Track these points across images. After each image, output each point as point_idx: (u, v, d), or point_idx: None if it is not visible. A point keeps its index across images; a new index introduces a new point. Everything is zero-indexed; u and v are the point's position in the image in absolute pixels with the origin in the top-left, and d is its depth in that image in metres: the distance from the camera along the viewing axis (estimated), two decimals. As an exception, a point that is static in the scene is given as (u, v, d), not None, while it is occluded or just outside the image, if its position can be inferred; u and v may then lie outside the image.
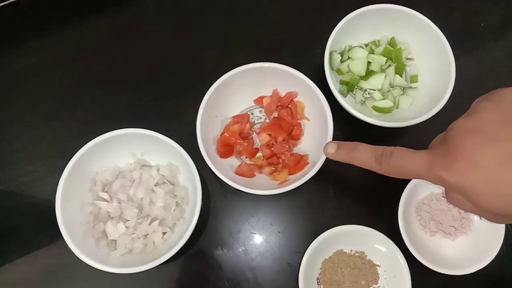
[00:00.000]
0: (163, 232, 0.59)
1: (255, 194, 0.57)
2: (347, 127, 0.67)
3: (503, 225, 0.60)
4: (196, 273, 0.63)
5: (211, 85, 0.60)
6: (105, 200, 0.60)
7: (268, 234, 0.64)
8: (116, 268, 0.54)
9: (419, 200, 0.63)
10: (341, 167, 0.65)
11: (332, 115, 0.60)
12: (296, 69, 0.62)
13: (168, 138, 0.58)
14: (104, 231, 0.59)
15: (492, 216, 0.38)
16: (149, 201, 0.60)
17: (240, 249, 0.63)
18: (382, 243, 0.59)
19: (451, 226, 0.62)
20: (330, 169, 0.64)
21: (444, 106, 0.60)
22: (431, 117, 0.59)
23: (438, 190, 0.64)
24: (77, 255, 0.54)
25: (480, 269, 0.58)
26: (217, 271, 0.63)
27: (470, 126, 0.39)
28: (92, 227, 0.59)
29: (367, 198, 0.65)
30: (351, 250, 0.61)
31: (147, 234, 0.59)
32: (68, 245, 0.54)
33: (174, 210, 0.59)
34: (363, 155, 0.48)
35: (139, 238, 0.58)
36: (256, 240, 0.63)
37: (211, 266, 0.63)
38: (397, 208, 0.60)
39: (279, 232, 0.64)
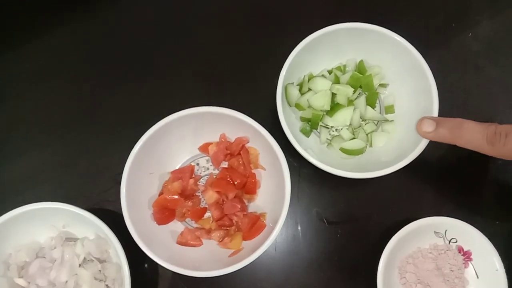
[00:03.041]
0: (93, 325, 0.49)
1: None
2: (311, 172, 0.56)
3: (505, 285, 0.49)
4: None
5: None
6: (21, 287, 0.50)
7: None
8: None
9: (402, 259, 0.53)
10: (305, 214, 0.55)
11: (294, 151, 0.50)
12: (252, 107, 0.52)
13: (90, 214, 0.48)
14: (22, 330, 0.49)
15: None
16: (75, 284, 0.49)
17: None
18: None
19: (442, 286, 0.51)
20: (294, 217, 0.54)
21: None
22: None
23: (426, 245, 0.53)
24: None
25: None
26: None
27: None
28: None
29: (340, 255, 0.54)
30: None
31: (74, 331, 0.49)
32: None
33: (104, 296, 0.49)
34: (470, 135, 0.44)
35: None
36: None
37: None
38: (376, 267, 0.49)
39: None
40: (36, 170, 0.57)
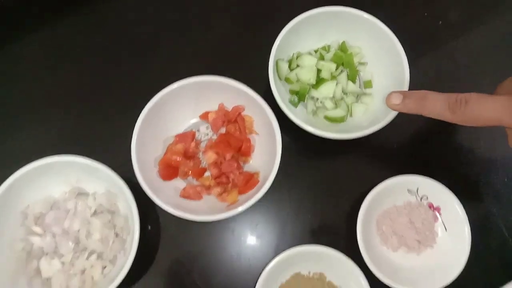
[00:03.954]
0: (102, 267, 0.54)
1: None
2: (300, 139, 0.63)
3: (469, 237, 0.56)
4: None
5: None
6: (38, 234, 0.55)
7: (222, 260, 0.59)
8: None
9: (379, 214, 0.59)
10: (294, 182, 0.61)
11: (284, 127, 0.56)
12: (245, 81, 0.58)
13: (102, 165, 0.54)
14: (37, 269, 0.54)
15: None
16: (86, 233, 0.55)
17: (193, 279, 0.59)
18: (342, 263, 0.55)
19: (414, 240, 0.58)
20: (284, 184, 0.60)
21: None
22: (389, 124, 0.56)
23: (400, 202, 0.60)
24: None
25: (447, 285, 0.54)
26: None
27: None
28: (24, 265, 0.54)
29: (324, 214, 0.61)
30: (309, 272, 0.57)
31: (85, 270, 0.54)
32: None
33: (113, 242, 0.55)
34: (434, 104, 0.47)
35: (76, 275, 0.53)
36: (209, 268, 0.59)
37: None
38: (356, 223, 0.55)
39: (233, 256, 0.59)
40: (45, 142, 0.63)
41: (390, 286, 0.54)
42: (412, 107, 0.49)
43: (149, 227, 0.61)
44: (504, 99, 0.43)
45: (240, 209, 0.52)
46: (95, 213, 0.56)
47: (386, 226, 0.58)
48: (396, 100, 0.50)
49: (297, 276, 0.57)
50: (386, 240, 0.58)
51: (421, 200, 0.59)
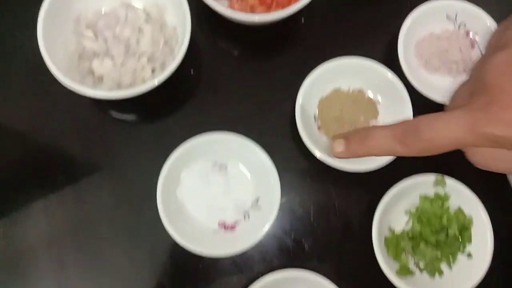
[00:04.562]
0: (152, 69, 0.56)
1: (250, 24, 0.56)
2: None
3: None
4: (191, 128, 0.59)
5: None
6: (89, 37, 0.57)
7: (261, 75, 0.61)
8: (104, 92, 0.52)
9: (417, 40, 0.61)
10: (336, 14, 0.63)
11: None
12: None
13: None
14: (89, 69, 0.56)
15: None
16: (137, 40, 0.57)
17: (236, 100, 0.61)
18: (382, 75, 0.57)
19: (452, 63, 0.59)
20: (325, 11, 0.62)
21: None
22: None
23: (438, 30, 0.61)
24: (64, 83, 0.51)
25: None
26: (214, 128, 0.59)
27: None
28: (77, 66, 0.56)
29: (363, 30, 0.63)
30: (349, 88, 0.59)
31: (136, 70, 0.56)
32: (55, 75, 0.52)
33: (162, 46, 0.57)
34: (380, 141, 0.40)
35: (127, 74, 0.55)
36: (246, 81, 0.61)
37: (205, 122, 0.59)
38: (396, 42, 0.57)
39: (271, 69, 0.62)
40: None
41: (428, 97, 0.56)
42: (358, 151, 0.42)
43: (192, 70, 0.62)
44: (459, 114, 0.36)
45: (284, 13, 0.54)
46: (145, 21, 0.58)
47: (425, 48, 0.60)
48: (339, 147, 0.43)
49: (337, 92, 0.58)
50: (425, 62, 0.60)
51: (459, 28, 0.61)
